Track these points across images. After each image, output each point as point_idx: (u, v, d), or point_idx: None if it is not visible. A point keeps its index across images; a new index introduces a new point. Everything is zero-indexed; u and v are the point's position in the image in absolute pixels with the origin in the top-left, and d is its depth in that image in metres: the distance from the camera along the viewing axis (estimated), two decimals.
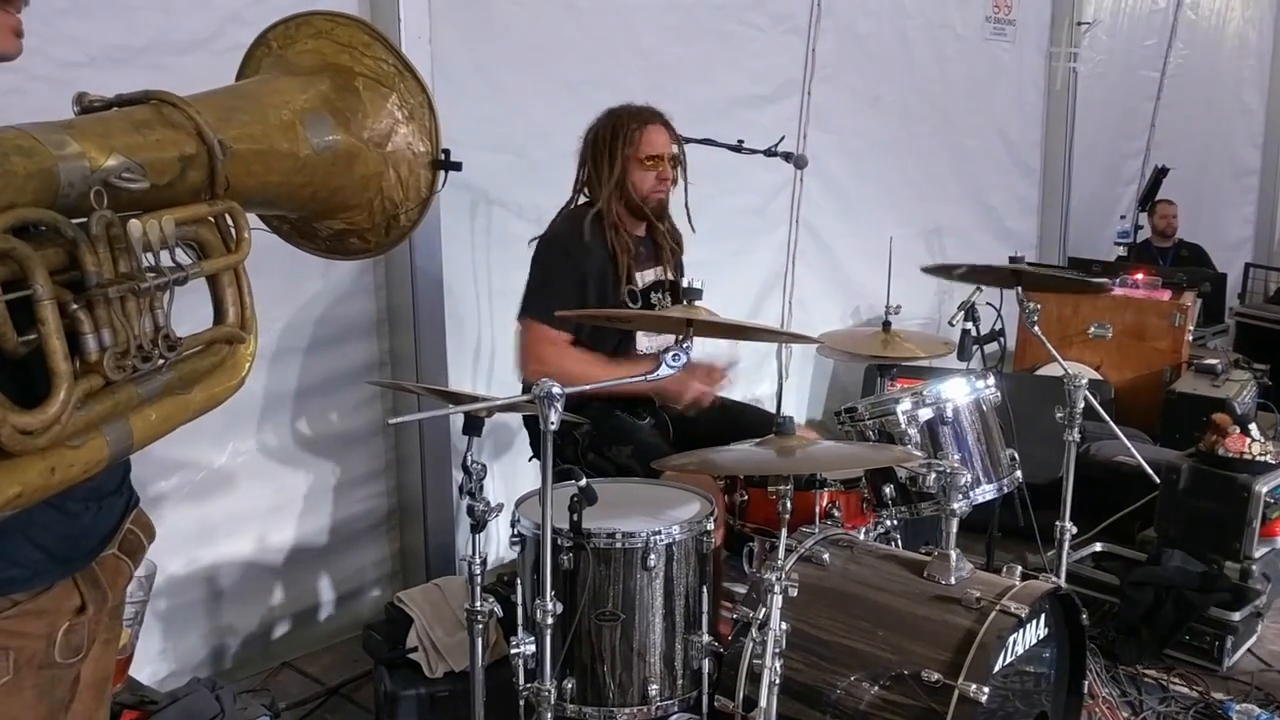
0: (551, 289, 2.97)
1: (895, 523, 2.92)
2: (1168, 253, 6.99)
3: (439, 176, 1.67)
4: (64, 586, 1.38)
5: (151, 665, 2.98)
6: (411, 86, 1.62)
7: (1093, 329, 3.66)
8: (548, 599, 2.10)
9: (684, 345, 2.16)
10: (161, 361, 1.33)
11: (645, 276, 3.11)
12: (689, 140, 3.24)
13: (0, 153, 1.16)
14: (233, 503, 3.12)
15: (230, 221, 1.43)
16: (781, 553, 2.28)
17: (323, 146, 1.53)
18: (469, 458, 2.21)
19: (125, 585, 1.54)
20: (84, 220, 1.22)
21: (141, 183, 1.28)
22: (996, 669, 2.18)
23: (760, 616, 2.29)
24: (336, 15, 1.65)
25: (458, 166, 1.68)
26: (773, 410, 3.48)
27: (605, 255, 3.01)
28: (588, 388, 2.35)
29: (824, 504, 2.80)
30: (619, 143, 3.01)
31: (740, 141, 3.45)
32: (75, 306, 1.22)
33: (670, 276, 3.18)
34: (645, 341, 3.11)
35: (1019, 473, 2.94)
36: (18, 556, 1.32)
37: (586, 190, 3.09)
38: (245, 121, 1.45)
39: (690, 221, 3.22)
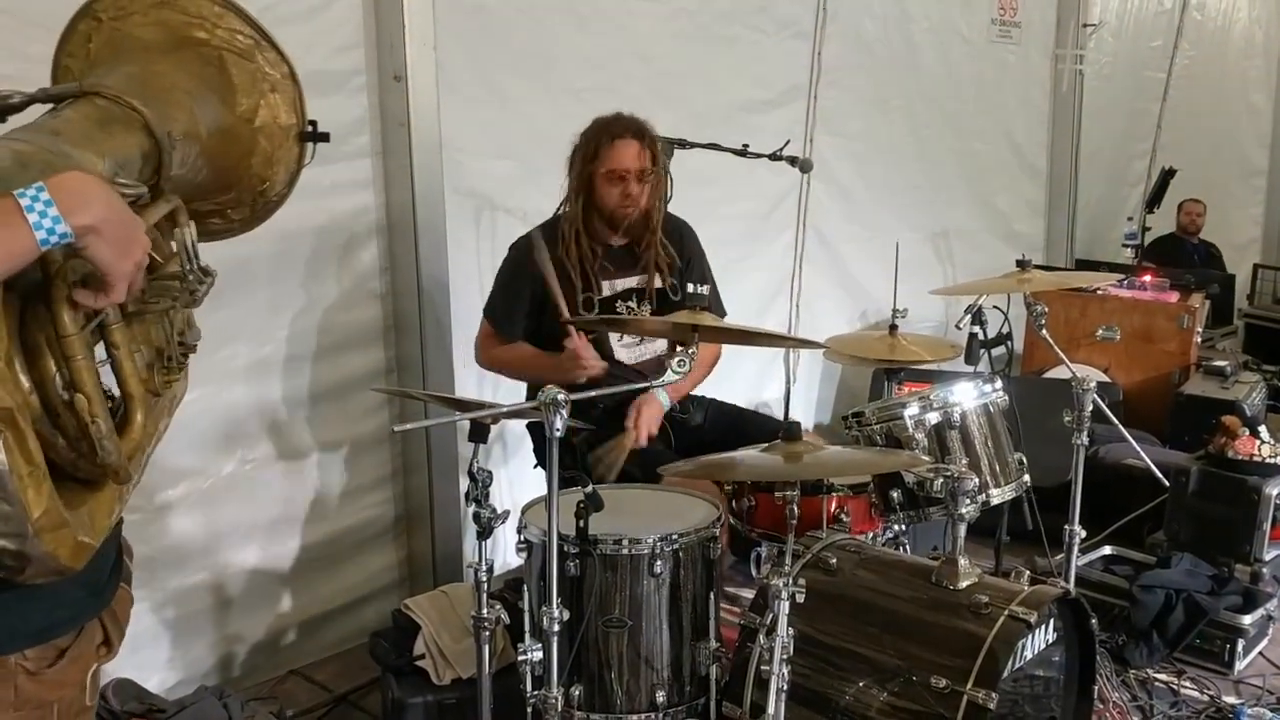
0: (499, 293, 3.13)
1: (903, 527, 2.91)
2: (1198, 248, 6.97)
3: (307, 149, 1.60)
4: (92, 626, 1.33)
5: (159, 674, 2.98)
6: (272, 58, 1.53)
7: (1100, 331, 3.64)
8: (554, 606, 2.10)
9: (690, 351, 2.15)
10: (183, 365, 1.31)
11: (614, 285, 3.10)
12: (693, 145, 3.23)
13: (40, 167, 1.12)
14: (239, 511, 3.12)
15: (171, 218, 1.37)
16: (789, 558, 2.28)
17: (214, 127, 1.46)
18: (475, 464, 2.21)
19: (130, 611, 1.46)
20: None
21: (140, 188, 1.24)
22: (1005, 675, 2.17)
23: (768, 622, 2.28)
24: None
25: (325, 138, 1.61)
26: (779, 416, 3.48)
27: (558, 270, 2.98)
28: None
29: (831, 509, 2.79)
30: (585, 156, 3.01)
31: (745, 146, 3.44)
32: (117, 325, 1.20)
33: (656, 285, 3.14)
34: (624, 352, 3.10)
35: (1027, 476, 2.93)
36: (62, 596, 1.25)
37: (565, 202, 3.10)
38: (162, 108, 1.37)
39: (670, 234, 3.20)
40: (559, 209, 3.13)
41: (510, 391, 3.49)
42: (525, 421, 3.22)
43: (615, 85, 3.82)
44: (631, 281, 3.13)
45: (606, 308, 3.06)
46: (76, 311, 1.11)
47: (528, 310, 3.07)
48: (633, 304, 3.11)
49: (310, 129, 1.58)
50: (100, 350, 1.22)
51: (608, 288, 3.08)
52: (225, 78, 1.48)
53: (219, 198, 1.54)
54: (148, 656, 2.94)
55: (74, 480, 1.15)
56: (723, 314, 3.32)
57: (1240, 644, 3.24)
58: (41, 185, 1.03)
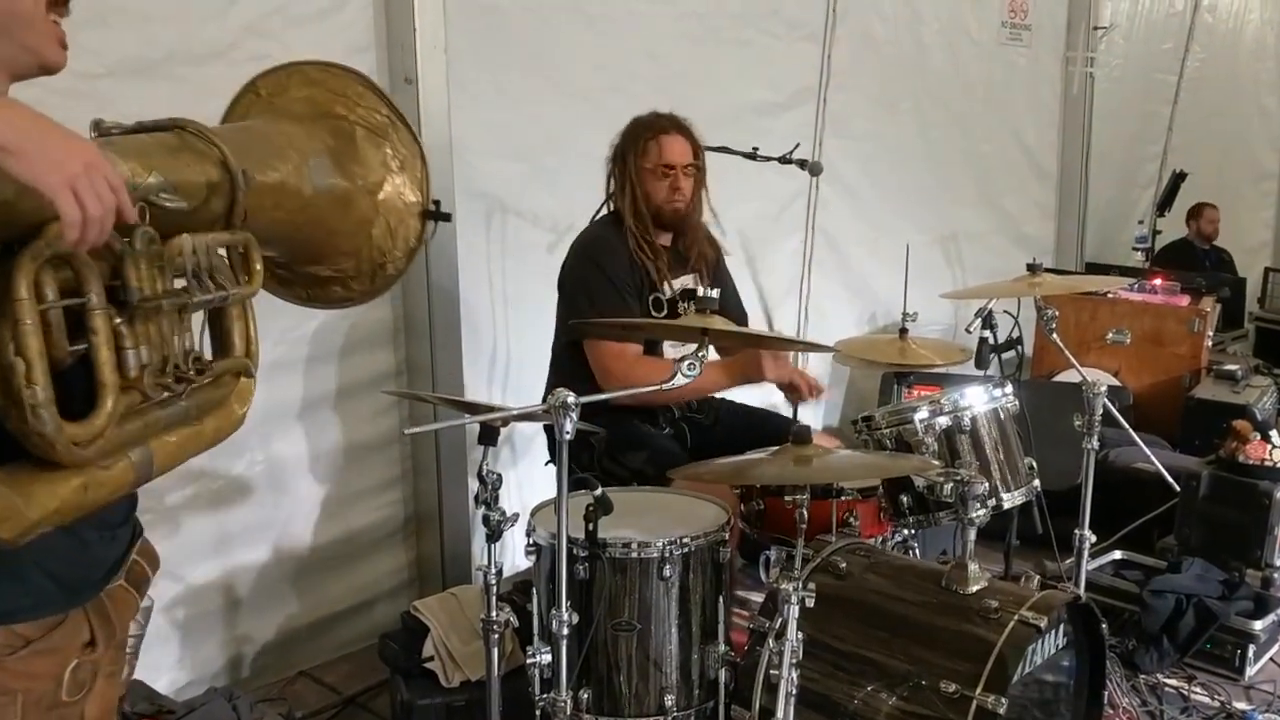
0: (597, 305, 2.96)
1: (913, 532, 2.91)
2: (1209, 254, 6.94)
3: (428, 226, 1.69)
4: (74, 621, 1.34)
5: (169, 674, 2.98)
6: (404, 137, 1.65)
7: (1110, 335, 3.62)
8: (563, 609, 2.10)
9: (700, 355, 2.15)
10: (193, 383, 1.34)
11: (675, 284, 3.10)
12: (703, 148, 3.23)
13: None
14: (250, 511, 3.13)
15: (244, 253, 1.43)
16: (798, 562, 2.27)
17: (324, 188, 1.55)
18: (484, 467, 2.20)
19: (132, 617, 1.49)
20: (129, 235, 1.23)
21: (181, 203, 1.29)
22: (1015, 680, 2.16)
23: (777, 626, 2.28)
24: (330, 65, 1.68)
25: (447, 217, 1.71)
26: (789, 417, 3.47)
27: (629, 263, 3.02)
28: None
29: (841, 513, 2.78)
30: (631, 153, 3.02)
31: (755, 149, 3.44)
32: (119, 320, 1.23)
33: (702, 286, 3.15)
34: (671, 351, 3.11)
35: (1037, 481, 2.92)
36: (26, 584, 1.27)
37: (612, 201, 3.10)
38: (261, 156, 1.46)
39: (718, 220, 3.21)
40: (598, 213, 3.12)
41: (519, 393, 3.49)
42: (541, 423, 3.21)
43: (625, 87, 3.82)
44: (687, 280, 3.14)
45: (671, 307, 3.07)
46: (34, 282, 1.13)
47: (621, 305, 2.95)
48: (687, 304, 3.11)
49: (433, 207, 1.69)
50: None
51: (669, 287, 3.08)
52: (352, 149, 1.61)
53: (339, 264, 1.66)
54: (157, 657, 2.95)
55: (41, 465, 1.19)
56: (744, 320, 3.33)
57: (1251, 649, 3.23)
58: None
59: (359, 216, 1.61)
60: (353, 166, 1.60)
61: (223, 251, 1.41)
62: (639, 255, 3.02)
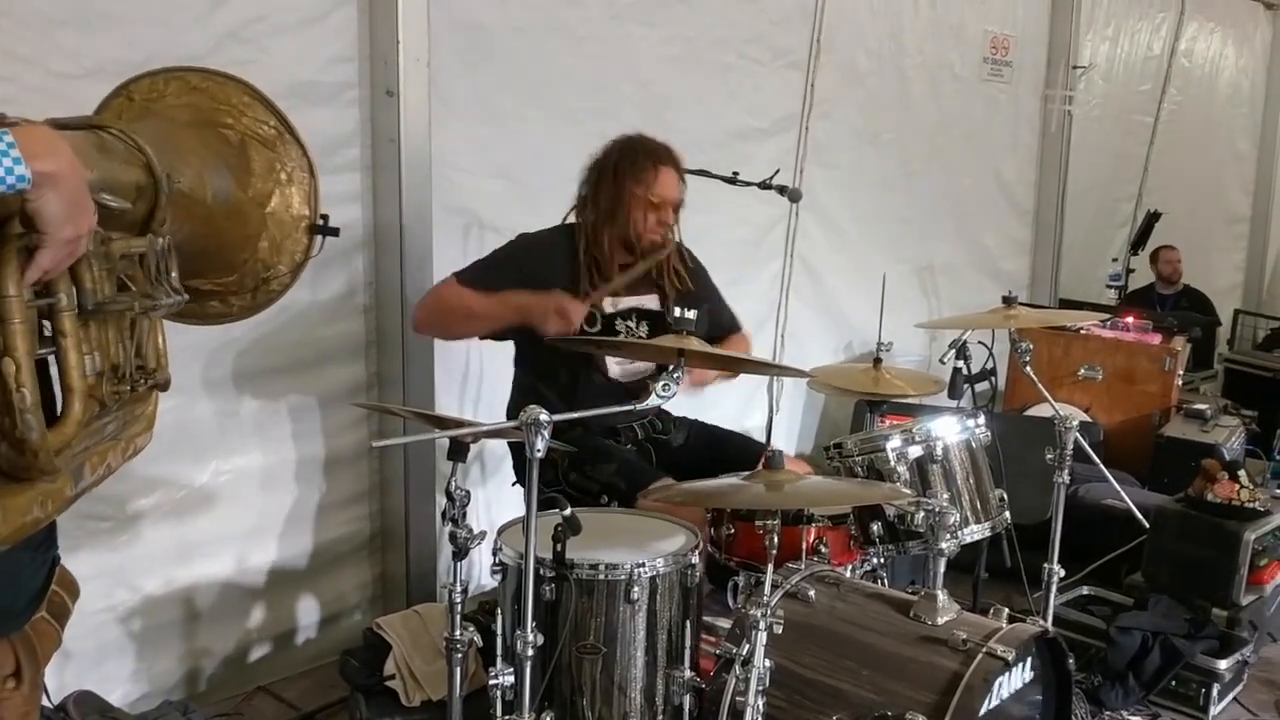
0: (488, 266, 3.00)
1: (882, 561, 2.90)
2: (1168, 300, 6.99)
3: (315, 241, 1.66)
4: (1, 652, 1.24)
5: (123, 687, 2.92)
6: (292, 149, 1.61)
7: (1083, 370, 3.65)
8: (528, 630, 2.07)
9: (675, 375, 2.14)
10: (141, 389, 1.27)
11: (617, 303, 3.07)
12: (683, 171, 3.23)
13: None
14: (213, 523, 3.08)
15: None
16: (768, 588, 2.26)
17: (222, 198, 1.50)
18: (453, 483, 2.18)
19: (53, 653, 1.38)
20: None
21: (125, 204, 1.23)
22: (981, 712, 2.15)
23: (744, 653, 2.26)
24: (213, 73, 1.62)
25: (335, 232, 1.68)
26: (760, 440, 3.47)
27: (568, 273, 2.99)
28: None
29: (811, 540, 2.77)
30: (628, 176, 2.97)
31: (735, 173, 3.45)
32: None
33: (658, 307, 3.13)
34: (615, 368, 3.08)
35: (1007, 513, 2.93)
36: None
37: (578, 211, 3.08)
38: (172, 163, 1.39)
39: (685, 259, 3.20)
40: (567, 217, 3.11)
41: (491, 410, 3.47)
42: (505, 440, 3.19)
43: (610, 107, 3.82)
44: (634, 301, 3.11)
45: (607, 324, 3.05)
46: (21, 276, 1.07)
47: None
48: (631, 323, 3.09)
49: (321, 222, 1.64)
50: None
51: (610, 305, 3.06)
52: (244, 160, 1.55)
53: (222, 278, 1.59)
54: (112, 668, 2.90)
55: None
56: (737, 327, 3.33)
57: (1215, 688, 3.23)
58: (4, 130, 1.00)
59: (248, 229, 1.56)
60: (245, 177, 1.55)
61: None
62: (586, 269, 2.99)
